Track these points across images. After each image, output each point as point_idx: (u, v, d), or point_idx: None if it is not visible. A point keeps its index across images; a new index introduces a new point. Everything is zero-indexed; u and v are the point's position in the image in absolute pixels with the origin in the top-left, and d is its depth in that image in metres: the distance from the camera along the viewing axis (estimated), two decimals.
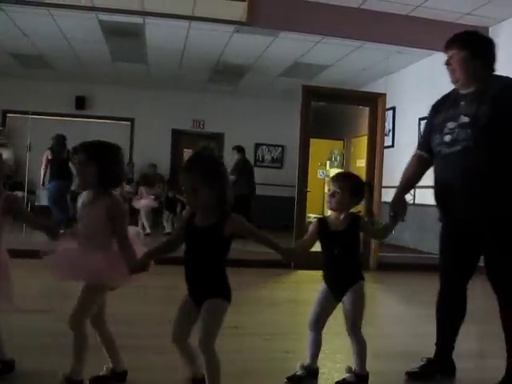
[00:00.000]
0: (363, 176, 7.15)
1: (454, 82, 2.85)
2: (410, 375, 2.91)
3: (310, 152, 7.46)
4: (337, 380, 2.73)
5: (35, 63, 10.41)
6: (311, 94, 7.44)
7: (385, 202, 3.38)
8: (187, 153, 12.82)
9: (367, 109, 7.87)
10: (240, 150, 9.86)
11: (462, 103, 2.78)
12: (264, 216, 9.11)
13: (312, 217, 9.82)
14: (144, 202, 9.72)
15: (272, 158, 12.96)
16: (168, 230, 9.61)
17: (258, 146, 12.87)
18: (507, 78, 2.80)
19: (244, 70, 10.19)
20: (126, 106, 11.88)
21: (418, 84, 8.24)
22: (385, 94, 7.70)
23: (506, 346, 2.82)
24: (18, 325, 3.29)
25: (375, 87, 9.56)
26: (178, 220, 9.62)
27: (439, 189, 2.90)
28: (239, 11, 6.91)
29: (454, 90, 2.93)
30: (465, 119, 2.71)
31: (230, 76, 10.72)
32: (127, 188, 10.60)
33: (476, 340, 4.15)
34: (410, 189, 3.16)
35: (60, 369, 2.46)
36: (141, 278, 2.47)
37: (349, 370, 2.73)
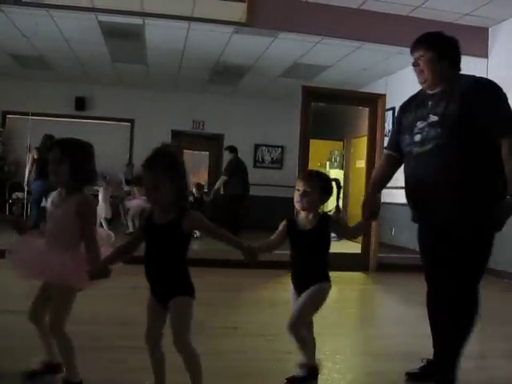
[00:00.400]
0: (363, 177, 7.16)
1: (422, 82, 2.88)
2: (410, 376, 2.90)
3: (309, 153, 7.45)
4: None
5: (35, 64, 10.41)
6: (311, 94, 7.44)
7: (384, 203, 3.37)
8: (187, 154, 12.84)
9: (367, 109, 7.86)
10: (232, 150, 9.89)
11: (430, 103, 2.81)
12: (263, 216, 9.12)
13: None
14: (136, 202, 9.71)
15: (272, 158, 12.96)
16: None
17: (257, 146, 12.87)
18: (474, 76, 2.80)
19: (244, 70, 10.19)
20: (126, 106, 11.88)
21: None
22: (385, 95, 7.70)
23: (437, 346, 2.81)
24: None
25: (375, 88, 9.56)
26: None
27: (411, 188, 2.89)
28: (239, 12, 6.91)
29: (421, 90, 2.97)
30: (434, 118, 2.73)
31: (229, 77, 10.72)
32: (126, 188, 10.61)
33: (476, 340, 4.14)
34: (381, 189, 3.14)
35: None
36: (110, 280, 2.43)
37: (301, 365, 2.72)
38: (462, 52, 2.90)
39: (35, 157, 8.79)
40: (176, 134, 12.52)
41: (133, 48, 9.02)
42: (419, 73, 2.86)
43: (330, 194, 2.76)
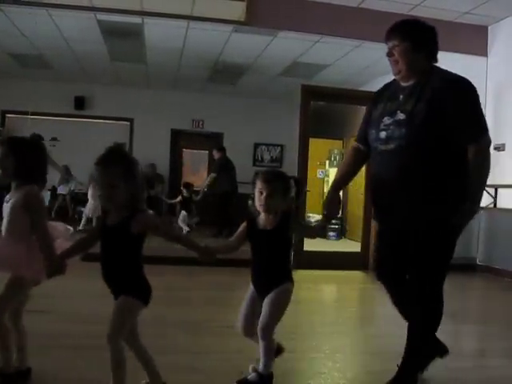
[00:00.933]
0: (363, 175, 7.16)
1: (396, 73, 2.74)
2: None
3: (309, 151, 7.45)
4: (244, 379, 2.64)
5: (34, 63, 10.39)
6: (310, 93, 7.44)
7: None
8: (186, 153, 12.84)
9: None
10: (220, 149, 9.98)
11: (401, 97, 2.69)
12: None
13: (312, 216, 9.82)
14: None
15: (271, 157, 12.97)
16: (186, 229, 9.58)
17: (257, 145, 12.87)
18: (448, 73, 2.67)
19: (243, 69, 10.18)
20: (125, 106, 11.87)
21: None
22: None
23: (406, 345, 2.74)
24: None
25: (375, 86, 9.52)
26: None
27: (374, 186, 2.83)
28: (238, 11, 6.91)
29: (394, 80, 2.83)
30: (401, 116, 2.62)
31: (228, 75, 10.71)
32: None
33: (476, 339, 4.15)
34: (346, 184, 3.09)
35: (59, 369, 2.45)
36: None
37: (253, 369, 2.64)
38: (462, 51, 2.88)
39: None
40: (175, 133, 12.54)
41: (132, 47, 9.01)
42: (393, 63, 2.72)
43: (291, 193, 2.69)
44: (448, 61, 3.14)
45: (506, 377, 3.07)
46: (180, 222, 9.66)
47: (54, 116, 11.56)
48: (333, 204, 2.92)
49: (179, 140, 12.73)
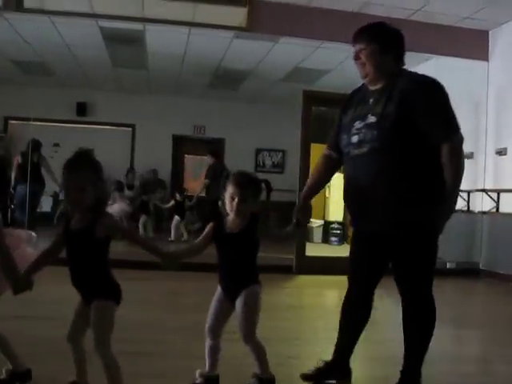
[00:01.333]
0: None
1: (363, 77, 2.74)
2: (305, 377, 2.80)
3: (310, 157, 7.45)
4: None
5: (37, 70, 10.44)
6: (312, 98, 7.44)
7: None
8: (188, 158, 12.85)
9: None
10: (213, 154, 9.72)
11: (371, 100, 2.68)
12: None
13: (314, 221, 9.81)
14: (118, 207, 9.68)
15: (273, 163, 12.97)
16: (185, 237, 9.53)
17: (258, 151, 12.89)
18: (416, 74, 2.66)
19: (244, 75, 10.21)
20: (127, 112, 11.89)
21: None
22: None
23: (404, 351, 2.71)
24: (27, 332, 3.29)
25: None
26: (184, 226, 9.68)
27: (348, 191, 2.79)
28: (239, 17, 6.94)
29: (363, 84, 2.82)
30: (371, 119, 2.60)
31: (230, 81, 10.74)
32: (128, 193, 10.61)
33: (479, 344, 4.14)
34: (317, 192, 3.06)
35: (66, 375, 2.45)
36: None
37: (254, 375, 2.64)
38: (463, 55, 2.88)
39: (19, 161, 8.89)
40: (177, 139, 12.56)
41: (134, 53, 9.05)
42: (360, 66, 2.72)
43: (260, 196, 2.70)
44: (449, 65, 3.15)
45: (510, 382, 3.06)
46: (172, 227, 9.66)
47: (57, 122, 11.58)
48: (303, 212, 2.91)
49: (181, 146, 12.75)
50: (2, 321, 2.68)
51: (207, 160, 9.80)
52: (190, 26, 7.25)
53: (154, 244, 2.50)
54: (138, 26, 7.47)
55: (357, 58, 2.72)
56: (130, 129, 12.31)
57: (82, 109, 11.97)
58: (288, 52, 8.45)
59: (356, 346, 2.88)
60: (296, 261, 7.10)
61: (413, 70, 2.75)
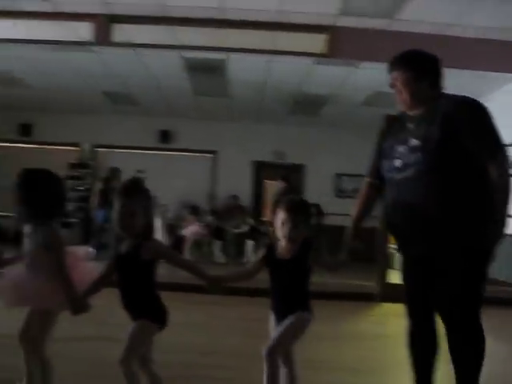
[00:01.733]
0: None
1: (401, 103, 2.71)
2: None
3: None
4: None
5: (123, 100, 10.91)
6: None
7: None
8: (268, 184, 12.92)
9: None
10: (284, 178, 9.54)
11: (411, 126, 2.64)
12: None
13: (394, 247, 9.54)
14: (192, 230, 9.99)
15: (354, 188, 12.78)
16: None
17: (338, 176, 12.76)
18: (457, 96, 2.61)
19: (325, 100, 10.19)
20: (209, 138, 12.14)
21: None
22: None
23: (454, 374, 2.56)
24: (71, 352, 3.35)
25: None
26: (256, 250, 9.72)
27: (393, 216, 2.71)
28: (319, 43, 6.96)
29: (401, 112, 2.78)
30: (415, 142, 2.56)
31: (310, 106, 10.76)
32: (209, 220, 10.76)
33: (497, 361, 3.84)
34: (363, 219, 2.99)
35: None
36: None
37: None
38: None
39: (100, 188, 9.27)
40: (257, 165, 12.66)
41: (215, 82, 9.25)
42: (398, 94, 2.70)
43: (312, 221, 2.69)
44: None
45: None
46: (247, 251, 9.70)
47: (141, 149, 12.00)
48: (354, 241, 2.87)
49: (261, 171, 12.84)
50: (64, 341, 2.73)
51: (277, 185, 9.72)
52: (270, 54, 7.33)
53: (198, 267, 2.54)
54: (219, 56, 7.66)
55: (393, 85, 2.72)
56: (212, 155, 12.55)
57: (165, 136, 12.33)
58: (368, 76, 8.36)
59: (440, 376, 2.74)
60: (379, 288, 6.92)
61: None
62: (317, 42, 6.98)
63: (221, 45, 6.96)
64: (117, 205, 2.39)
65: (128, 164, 10.83)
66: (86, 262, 2.72)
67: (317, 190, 10.99)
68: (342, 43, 6.91)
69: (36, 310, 2.54)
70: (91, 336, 3.91)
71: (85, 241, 9.34)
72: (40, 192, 2.51)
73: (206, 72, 8.63)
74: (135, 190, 2.44)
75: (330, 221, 9.60)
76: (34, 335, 2.53)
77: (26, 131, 12.36)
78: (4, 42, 7.27)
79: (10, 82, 9.95)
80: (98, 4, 6.41)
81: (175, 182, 11.39)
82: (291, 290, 2.60)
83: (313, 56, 7.27)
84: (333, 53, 6.95)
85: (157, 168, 11.87)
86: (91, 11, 6.60)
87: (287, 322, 2.54)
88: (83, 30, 6.80)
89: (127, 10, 6.53)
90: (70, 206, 11.21)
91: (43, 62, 8.60)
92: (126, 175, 9.54)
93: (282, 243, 2.61)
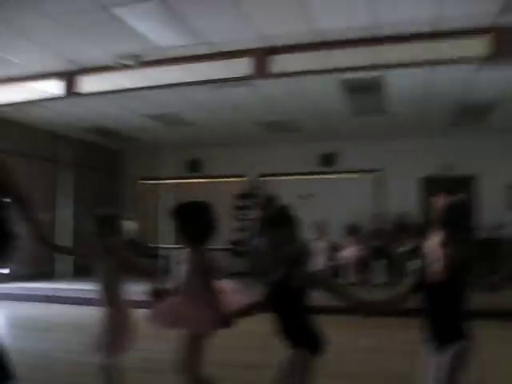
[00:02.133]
0: None
1: None
2: None
3: None
4: None
5: (284, 128, 11.24)
6: None
7: None
8: (436, 200, 12.33)
9: None
10: (448, 193, 8.97)
11: None
12: None
13: None
14: (348, 253, 9.95)
15: None
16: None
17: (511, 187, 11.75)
18: None
19: (492, 106, 9.55)
20: (372, 157, 11.90)
21: None
22: None
23: None
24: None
25: None
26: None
27: None
28: (481, 47, 6.56)
29: None
30: None
31: (475, 114, 10.16)
32: (373, 240, 10.52)
33: None
34: None
35: None
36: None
37: None
38: None
39: (257, 216, 9.52)
40: (424, 180, 12.17)
41: (372, 100, 9.15)
42: None
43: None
44: None
45: None
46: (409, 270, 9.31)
47: (304, 175, 12.16)
48: None
49: (428, 186, 12.32)
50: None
51: (439, 201, 9.09)
52: (429, 65, 7.07)
53: (351, 294, 2.53)
54: (376, 73, 7.56)
55: None
56: (375, 174, 12.29)
57: (327, 159, 12.37)
58: None
59: None
60: None
61: None
62: (478, 46, 6.59)
63: (377, 62, 6.85)
64: (266, 234, 2.53)
65: (290, 190, 11.05)
66: (230, 294, 2.86)
67: (487, 201, 10.25)
68: (508, 44, 6.45)
69: (189, 335, 2.71)
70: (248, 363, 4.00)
71: (251, 269, 9.58)
72: (191, 221, 2.79)
73: (364, 91, 8.56)
74: (281, 220, 2.52)
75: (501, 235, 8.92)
76: (192, 363, 2.72)
77: (194, 167, 13.21)
78: (172, 86, 7.85)
79: (177, 123, 10.73)
80: (253, 39, 6.66)
81: (339, 205, 11.38)
82: (446, 315, 2.47)
83: (474, 61, 6.87)
84: (498, 55, 6.51)
85: (321, 191, 11.94)
86: (248, 47, 6.87)
87: (448, 358, 2.39)
88: (240, 66, 7.10)
89: (282, 41, 6.70)
90: (239, 236, 11.66)
91: (205, 100, 9.15)
92: (289, 201, 9.71)
93: (439, 264, 2.48)
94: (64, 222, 11.23)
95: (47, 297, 8.45)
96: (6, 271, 9.96)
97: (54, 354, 4.66)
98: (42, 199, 11.18)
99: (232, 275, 9.36)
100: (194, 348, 2.72)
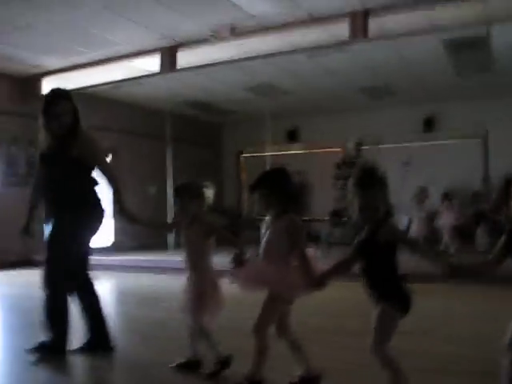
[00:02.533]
0: None
1: None
2: None
3: None
4: None
5: (381, 93, 10.94)
6: None
7: None
8: None
9: None
10: None
11: None
12: None
13: None
14: (446, 220, 9.67)
15: None
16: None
17: None
18: None
19: None
20: (476, 120, 11.24)
21: None
22: None
23: None
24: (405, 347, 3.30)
25: None
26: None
27: None
28: None
29: None
30: None
31: None
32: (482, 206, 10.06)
33: None
34: None
35: None
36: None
37: None
38: None
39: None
40: None
41: (478, 57, 8.62)
42: None
43: None
44: None
45: None
46: None
47: (405, 142, 11.78)
48: None
49: None
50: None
51: None
52: None
53: (435, 254, 2.60)
54: (480, 29, 7.10)
55: None
56: (480, 139, 11.66)
57: (429, 124, 11.89)
58: None
59: None
60: None
61: None
62: None
63: (481, 18, 6.43)
64: (357, 197, 2.45)
65: (393, 158, 10.74)
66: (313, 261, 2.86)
67: None
68: None
69: (271, 296, 2.76)
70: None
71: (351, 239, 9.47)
72: (275, 188, 2.84)
73: (468, 49, 8.07)
74: (371, 181, 2.45)
75: None
76: (285, 324, 2.82)
77: (292, 136, 13.19)
78: (268, 56, 7.82)
79: (274, 93, 10.70)
80: (350, 3, 6.47)
81: (442, 171, 10.96)
82: None
83: None
84: None
85: (423, 158, 11.51)
86: (345, 11, 6.69)
87: None
88: (338, 31, 6.93)
89: (380, 2, 6.47)
90: (339, 205, 11.50)
91: (300, 68, 9.08)
92: (392, 170, 9.45)
93: None
94: (168, 196, 11.59)
95: (162, 268, 8.53)
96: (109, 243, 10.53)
97: (170, 322, 4.61)
98: (148, 174, 11.65)
99: (332, 245, 9.41)
100: (274, 311, 2.79)
